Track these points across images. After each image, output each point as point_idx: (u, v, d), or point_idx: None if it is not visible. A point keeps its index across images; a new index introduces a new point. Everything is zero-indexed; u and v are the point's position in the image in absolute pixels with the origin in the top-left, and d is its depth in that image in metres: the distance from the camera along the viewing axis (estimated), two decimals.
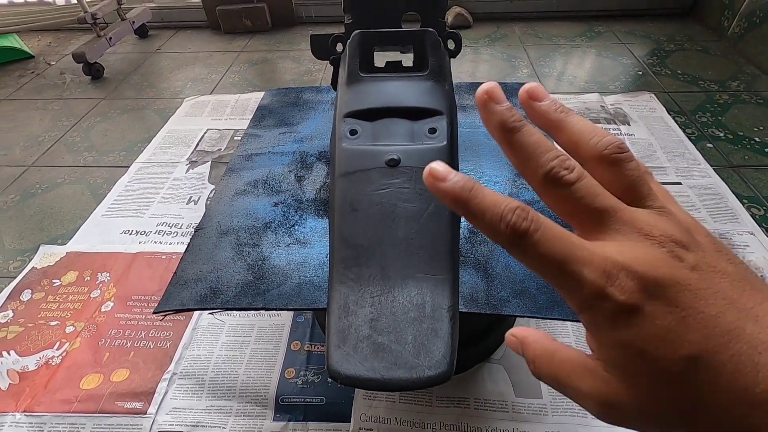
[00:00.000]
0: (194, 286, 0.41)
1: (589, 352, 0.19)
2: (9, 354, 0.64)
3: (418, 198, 0.40)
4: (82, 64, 1.34)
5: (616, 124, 1.03)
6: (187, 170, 0.97)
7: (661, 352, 0.16)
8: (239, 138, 1.06)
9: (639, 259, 0.17)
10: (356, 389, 0.57)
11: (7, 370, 0.62)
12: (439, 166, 0.18)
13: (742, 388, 0.15)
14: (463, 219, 0.47)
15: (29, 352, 0.64)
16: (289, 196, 0.50)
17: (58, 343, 0.65)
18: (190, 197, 0.90)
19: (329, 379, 0.59)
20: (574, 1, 1.58)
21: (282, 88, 0.72)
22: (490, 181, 0.51)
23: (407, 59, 0.51)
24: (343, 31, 0.54)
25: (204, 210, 0.87)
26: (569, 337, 0.62)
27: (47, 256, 0.79)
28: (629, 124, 1.03)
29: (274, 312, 0.68)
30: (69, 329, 0.67)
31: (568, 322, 0.62)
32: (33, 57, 1.54)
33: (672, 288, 0.16)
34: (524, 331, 0.21)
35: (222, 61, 1.45)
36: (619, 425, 0.18)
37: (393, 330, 0.33)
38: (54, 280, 0.75)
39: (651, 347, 0.16)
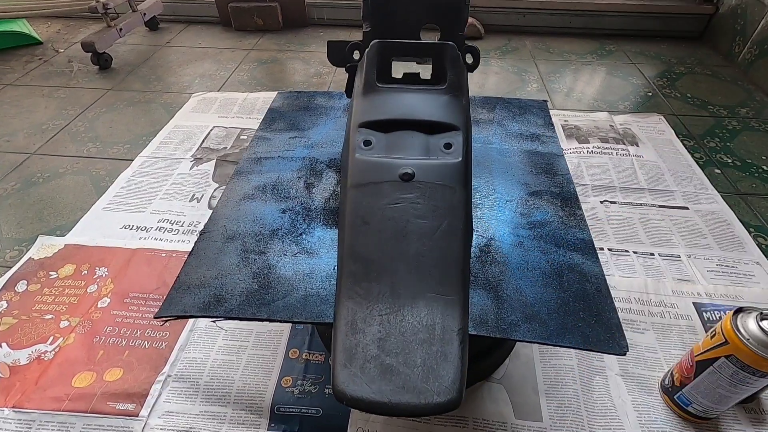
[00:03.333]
0: (197, 292, 0.40)
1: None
2: (1, 346, 0.63)
3: (431, 214, 0.39)
4: (90, 54, 1.33)
5: (624, 144, 1.02)
6: (192, 167, 0.96)
7: None
8: (245, 137, 1.05)
9: None
10: None
11: None
12: None
13: None
14: (474, 238, 0.47)
15: (22, 346, 0.63)
16: (298, 204, 0.50)
17: (51, 338, 0.64)
18: (193, 195, 0.89)
19: (326, 390, 0.58)
20: (586, 19, 1.58)
21: (294, 91, 0.71)
22: (502, 199, 0.50)
23: (425, 71, 0.51)
24: (361, 39, 0.53)
25: (206, 209, 0.86)
26: (572, 360, 0.61)
27: (45, 247, 0.78)
28: (638, 145, 1.02)
29: None
30: (63, 324, 0.66)
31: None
32: (41, 43, 1.53)
33: None
34: None
35: (231, 58, 1.45)
36: None
37: (402, 351, 0.32)
38: (51, 272, 0.73)
39: None
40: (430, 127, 0.44)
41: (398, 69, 0.50)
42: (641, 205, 0.87)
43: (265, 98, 1.19)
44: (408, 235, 0.38)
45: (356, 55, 0.53)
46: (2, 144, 1.05)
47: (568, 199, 0.51)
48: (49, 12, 1.42)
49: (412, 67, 0.52)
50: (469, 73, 0.50)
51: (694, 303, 0.68)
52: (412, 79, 0.49)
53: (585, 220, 0.49)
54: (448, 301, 0.36)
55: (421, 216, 0.39)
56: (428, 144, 0.43)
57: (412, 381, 0.31)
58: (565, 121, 1.10)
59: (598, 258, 0.44)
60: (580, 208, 0.50)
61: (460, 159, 0.42)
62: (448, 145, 0.43)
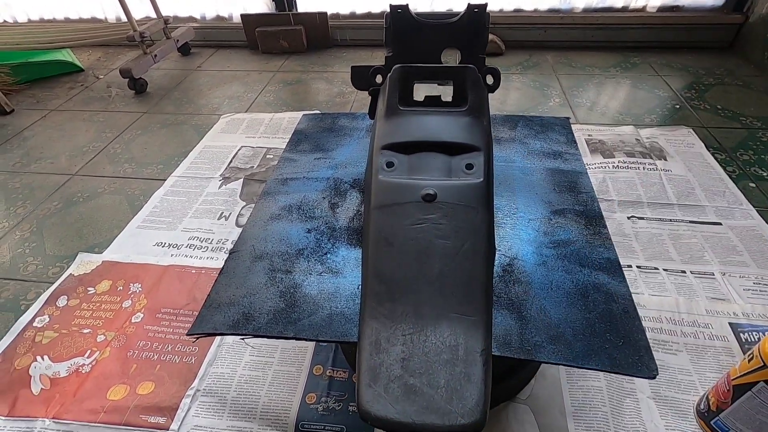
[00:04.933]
0: (227, 310, 0.42)
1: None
2: (43, 359, 0.66)
3: (454, 235, 0.39)
4: (127, 79, 1.41)
5: (652, 158, 1.00)
6: (220, 186, 1.00)
7: None
8: (272, 156, 1.09)
9: None
10: None
11: (40, 375, 0.64)
12: None
13: None
14: (496, 257, 0.47)
15: (61, 359, 0.66)
16: (323, 223, 0.51)
17: (89, 351, 0.67)
18: (222, 213, 0.92)
19: (350, 408, 0.58)
20: (609, 32, 1.57)
21: (318, 113, 0.74)
22: (524, 218, 0.50)
23: (446, 93, 0.52)
24: (383, 63, 0.55)
25: (234, 226, 0.89)
26: (601, 381, 0.59)
27: (84, 263, 0.82)
28: (666, 159, 1.00)
29: None
30: (100, 338, 0.69)
31: None
32: (83, 70, 1.63)
33: None
34: None
35: (258, 80, 1.50)
36: None
37: (425, 372, 0.33)
38: (89, 288, 0.77)
39: None
40: (451, 149, 0.45)
41: (420, 91, 0.52)
42: (670, 221, 0.84)
43: (291, 118, 1.23)
44: (431, 256, 0.39)
45: (379, 78, 0.54)
46: (47, 166, 1.12)
47: (592, 218, 0.51)
48: (90, 42, 1.51)
49: (434, 89, 0.53)
50: (489, 93, 0.51)
51: (730, 323, 0.66)
52: (433, 101, 0.50)
53: (610, 239, 0.48)
54: (471, 321, 0.36)
55: (443, 236, 0.40)
56: (450, 165, 0.44)
57: (436, 402, 0.31)
58: (589, 135, 1.09)
59: (624, 278, 0.44)
60: (605, 227, 0.50)
61: (482, 179, 0.42)
62: (469, 166, 0.44)
